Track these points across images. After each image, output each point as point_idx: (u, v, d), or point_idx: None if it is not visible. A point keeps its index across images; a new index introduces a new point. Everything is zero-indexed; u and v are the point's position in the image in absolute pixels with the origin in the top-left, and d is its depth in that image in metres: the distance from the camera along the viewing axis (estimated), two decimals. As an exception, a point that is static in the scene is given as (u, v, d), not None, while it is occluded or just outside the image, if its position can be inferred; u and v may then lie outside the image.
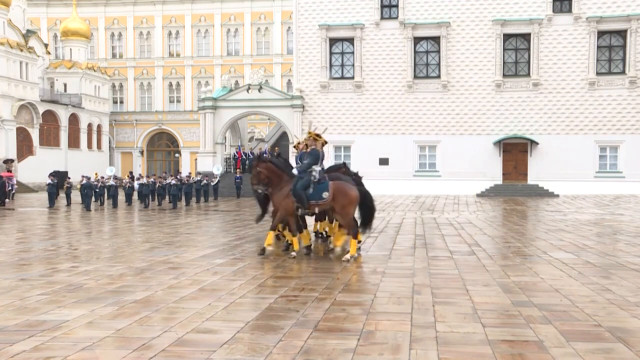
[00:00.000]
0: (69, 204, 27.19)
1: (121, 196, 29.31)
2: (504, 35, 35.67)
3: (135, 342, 5.19)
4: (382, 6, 36.60)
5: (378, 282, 7.95)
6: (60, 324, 5.79)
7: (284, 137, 40.22)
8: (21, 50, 44.13)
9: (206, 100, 37.38)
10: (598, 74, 35.08)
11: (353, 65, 36.95)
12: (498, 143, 35.56)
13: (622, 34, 35.01)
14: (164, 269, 9.13)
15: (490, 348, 4.98)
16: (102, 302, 6.77)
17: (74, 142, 49.37)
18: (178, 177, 29.46)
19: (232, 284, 7.91)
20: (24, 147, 44.44)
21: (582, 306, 6.45)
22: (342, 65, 37.27)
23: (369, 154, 35.60)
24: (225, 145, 40.20)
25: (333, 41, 37.14)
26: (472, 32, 35.86)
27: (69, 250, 11.69)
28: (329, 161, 15.48)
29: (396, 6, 36.47)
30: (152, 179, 28.32)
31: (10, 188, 32.37)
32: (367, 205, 10.52)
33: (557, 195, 32.74)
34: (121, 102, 55.11)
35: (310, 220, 12.46)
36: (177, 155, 54.43)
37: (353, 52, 36.89)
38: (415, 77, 36.47)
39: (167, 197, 27.53)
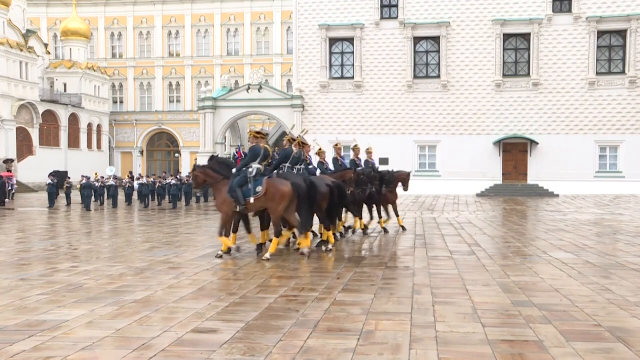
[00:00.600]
0: (69, 204, 27.20)
1: (121, 196, 29.33)
2: (504, 35, 35.66)
3: (135, 342, 5.18)
4: (382, 6, 36.59)
5: (378, 282, 7.96)
6: (60, 324, 5.79)
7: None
8: (21, 50, 44.12)
9: (206, 100, 37.39)
10: (598, 74, 35.07)
11: (353, 65, 36.94)
12: (498, 143, 35.56)
13: (622, 34, 35.00)
14: (164, 269, 9.13)
15: (490, 348, 4.98)
16: (102, 302, 6.77)
17: (74, 142, 49.36)
18: (178, 177, 29.45)
19: (232, 284, 7.91)
20: (24, 147, 44.44)
21: (582, 306, 6.44)
22: (342, 65, 37.27)
23: (369, 154, 35.57)
24: (225, 145, 40.20)
25: (333, 41, 37.14)
26: (472, 32, 35.85)
27: (69, 250, 11.69)
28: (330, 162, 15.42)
29: (396, 6, 36.46)
30: (152, 179, 28.34)
31: (10, 188, 32.39)
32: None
33: (557, 195, 32.73)
34: (121, 102, 55.08)
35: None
36: (177, 155, 54.39)
37: (353, 52, 36.89)
38: (415, 77, 36.46)
39: (167, 197, 27.55)
